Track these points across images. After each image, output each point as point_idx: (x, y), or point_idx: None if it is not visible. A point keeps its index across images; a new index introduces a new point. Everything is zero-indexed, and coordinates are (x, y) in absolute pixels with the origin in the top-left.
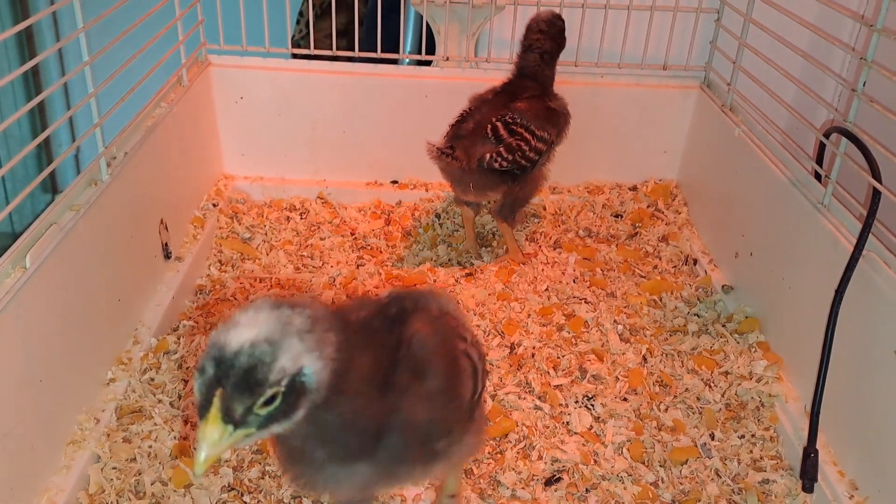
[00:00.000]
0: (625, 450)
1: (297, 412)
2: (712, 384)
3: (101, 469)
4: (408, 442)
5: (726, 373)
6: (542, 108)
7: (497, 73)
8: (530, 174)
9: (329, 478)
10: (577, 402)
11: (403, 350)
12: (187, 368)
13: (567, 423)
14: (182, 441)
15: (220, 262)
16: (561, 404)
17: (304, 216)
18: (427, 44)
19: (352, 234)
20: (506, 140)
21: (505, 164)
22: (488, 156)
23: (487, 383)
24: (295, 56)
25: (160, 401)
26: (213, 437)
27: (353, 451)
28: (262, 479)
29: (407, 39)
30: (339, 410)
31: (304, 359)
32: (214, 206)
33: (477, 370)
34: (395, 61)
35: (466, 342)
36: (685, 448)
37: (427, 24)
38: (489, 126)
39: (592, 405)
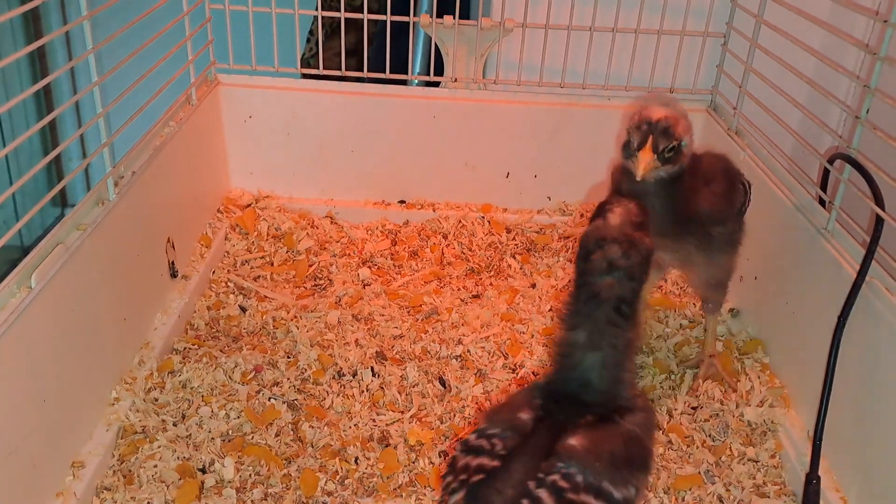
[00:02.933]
0: None
1: (675, 164)
2: (717, 409)
3: (105, 490)
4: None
5: (731, 398)
6: (619, 443)
7: (504, 95)
8: None
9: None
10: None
11: None
12: (191, 388)
13: None
14: (185, 462)
15: (226, 280)
16: None
17: (311, 235)
18: (436, 65)
19: (359, 254)
20: None
21: None
22: None
23: None
24: (304, 76)
25: (164, 421)
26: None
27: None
28: (265, 500)
29: (416, 60)
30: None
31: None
32: (221, 224)
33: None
34: (403, 82)
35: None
36: (689, 476)
37: (436, 45)
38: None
39: None
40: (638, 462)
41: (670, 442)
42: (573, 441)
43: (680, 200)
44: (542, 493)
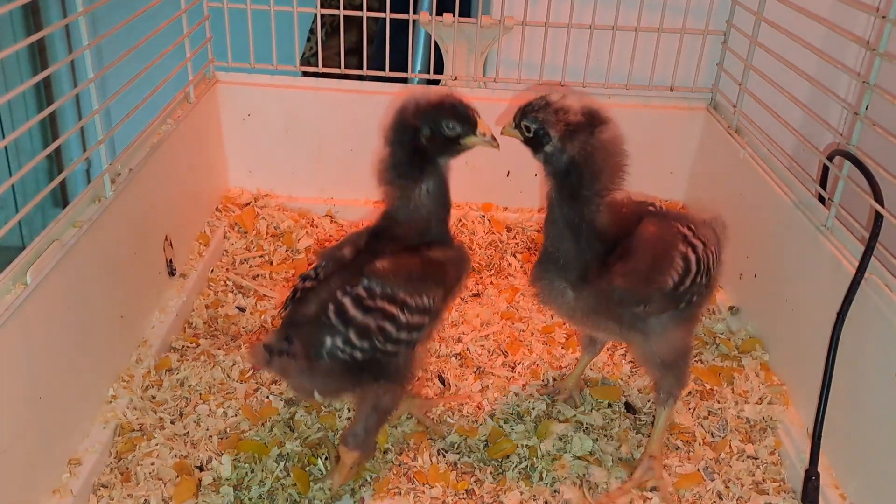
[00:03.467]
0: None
1: (538, 153)
2: (716, 406)
3: (102, 487)
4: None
5: (730, 395)
6: (417, 264)
7: (505, 93)
8: (400, 362)
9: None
10: (579, 424)
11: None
12: (189, 386)
13: (569, 446)
14: (182, 459)
15: (225, 279)
16: (562, 424)
17: (310, 234)
18: (436, 63)
19: None
20: (358, 321)
21: (358, 353)
22: (328, 342)
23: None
24: (305, 74)
25: (161, 418)
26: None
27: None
28: (261, 499)
29: (416, 58)
30: (573, 211)
31: (552, 131)
32: (220, 223)
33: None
34: (403, 80)
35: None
36: (690, 475)
37: (436, 43)
38: (332, 306)
39: (592, 427)
40: (435, 279)
41: (678, 446)
42: (377, 263)
43: (591, 264)
44: (346, 301)
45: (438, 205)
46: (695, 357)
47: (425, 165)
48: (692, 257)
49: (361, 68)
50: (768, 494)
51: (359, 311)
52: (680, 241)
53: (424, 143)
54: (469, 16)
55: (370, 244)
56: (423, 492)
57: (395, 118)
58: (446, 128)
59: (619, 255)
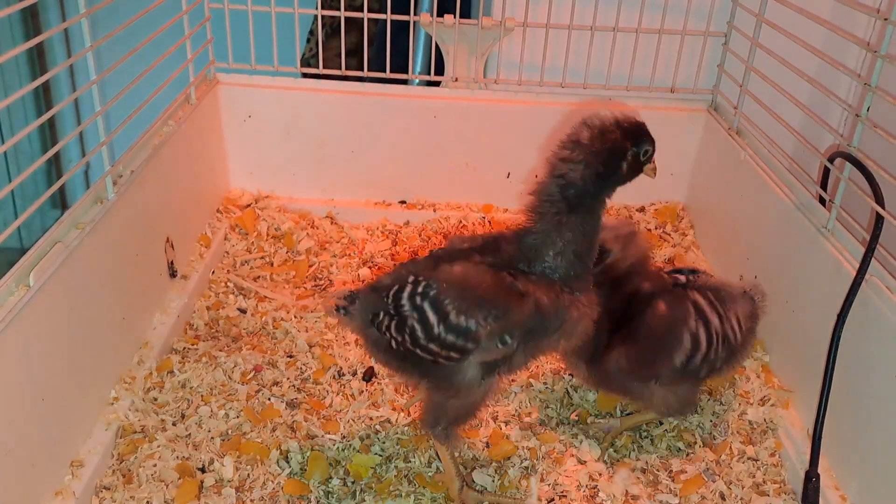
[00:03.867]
0: (630, 478)
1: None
2: (716, 408)
3: (105, 489)
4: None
5: (731, 397)
6: (490, 282)
7: (505, 95)
8: (446, 372)
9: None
10: (579, 425)
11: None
12: (191, 388)
13: (573, 448)
14: (184, 461)
15: (226, 281)
16: (564, 429)
17: (311, 235)
18: (436, 64)
19: (359, 255)
20: (402, 312)
21: (393, 342)
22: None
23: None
24: (304, 75)
25: (163, 420)
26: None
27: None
28: (263, 501)
29: (416, 60)
30: None
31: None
32: (221, 224)
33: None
34: (404, 81)
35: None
36: (692, 479)
37: (436, 44)
38: (396, 286)
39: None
40: (499, 310)
41: (679, 448)
42: (449, 266)
43: (600, 345)
44: (408, 287)
45: (587, 247)
46: None
47: (598, 198)
48: (702, 335)
49: (362, 69)
50: (769, 496)
51: (408, 304)
52: (691, 318)
53: (624, 169)
54: (470, 17)
55: (489, 248)
56: (423, 494)
57: (596, 138)
58: (643, 153)
59: (626, 336)
